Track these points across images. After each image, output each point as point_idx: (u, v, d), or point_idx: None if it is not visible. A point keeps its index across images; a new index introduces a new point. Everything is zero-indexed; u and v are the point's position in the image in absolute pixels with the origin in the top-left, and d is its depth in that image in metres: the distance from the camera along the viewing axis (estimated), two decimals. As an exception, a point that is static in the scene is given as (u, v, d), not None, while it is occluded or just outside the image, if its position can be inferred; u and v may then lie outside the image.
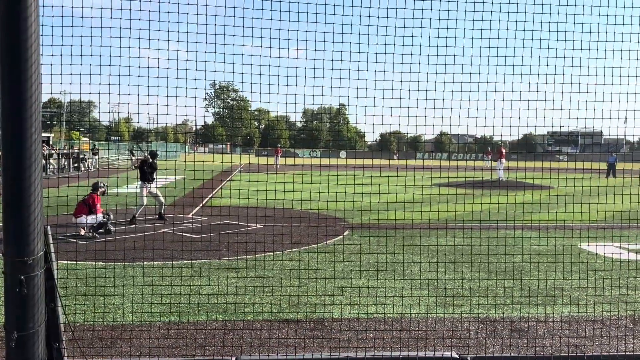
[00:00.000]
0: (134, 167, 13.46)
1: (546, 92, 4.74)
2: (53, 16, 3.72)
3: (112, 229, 11.13)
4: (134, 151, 14.11)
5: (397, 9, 4.37)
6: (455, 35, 4.51)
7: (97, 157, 38.83)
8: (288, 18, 4.21)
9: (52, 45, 3.76)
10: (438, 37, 4.46)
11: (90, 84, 3.98)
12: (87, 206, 11.05)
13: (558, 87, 4.75)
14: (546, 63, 4.73)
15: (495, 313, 6.20)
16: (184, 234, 11.25)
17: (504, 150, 28.69)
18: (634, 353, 5.02)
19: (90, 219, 10.96)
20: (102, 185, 11.75)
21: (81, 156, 35.21)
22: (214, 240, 10.00)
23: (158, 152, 13.93)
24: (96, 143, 41.21)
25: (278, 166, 39.28)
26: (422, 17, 4.40)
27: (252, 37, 4.25)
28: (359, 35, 4.39)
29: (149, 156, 13.27)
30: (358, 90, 4.56)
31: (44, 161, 26.83)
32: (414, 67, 4.52)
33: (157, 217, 13.16)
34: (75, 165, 34.06)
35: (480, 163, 43.98)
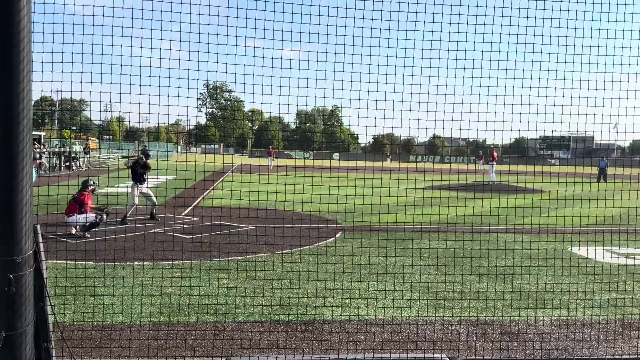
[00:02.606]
0: (126, 167, 13.39)
1: (538, 97, 4.77)
2: (44, 13, 3.69)
3: (104, 218, 11.14)
4: (147, 151, 14.04)
5: (390, 11, 4.38)
6: (449, 38, 4.52)
7: (88, 156, 38.64)
8: (282, 19, 4.20)
9: (43, 43, 3.72)
10: (432, 40, 4.47)
11: (81, 82, 3.95)
12: (78, 205, 10.98)
13: (550, 92, 4.78)
14: (539, 67, 4.76)
15: (485, 316, 6.21)
16: (175, 234, 11.20)
17: (495, 154, 28.83)
18: (623, 356, 5.05)
19: (81, 218, 10.89)
20: (92, 183, 11.68)
21: (73, 155, 35.02)
22: (205, 241, 9.96)
23: (151, 153, 13.87)
24: (87, 142, 41.01)
25: (271, 167, 39.19)
26: (417, 20, 4.41)
27: (245, 37, 4.24)
28: (353, 37, 4.39)
29: (142, 156, 13.21)
30: (352, 92, 4.56)
31: (38, 156, 26.57)
32: (408, 69, 4.53)
33: (148, 217, 13.09)
34: (67, 164, 33.85)
35: (472, 166, 44.21)
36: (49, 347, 3.62)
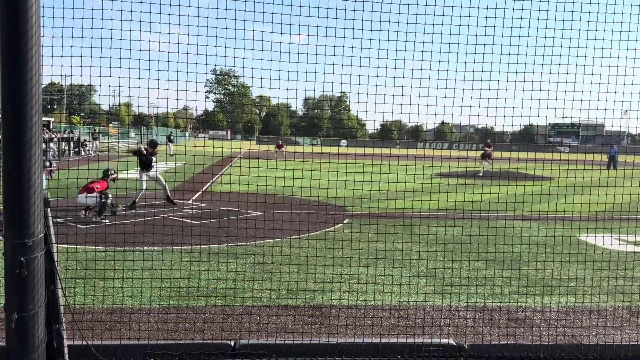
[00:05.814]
0: (132, 154, 13.48)
1: (550, 82, 4.72)
2: (54, -2, 3.69)
3: (115, 208, 11.22)
4: (171, 137, 14.15)
5: (400, -5, 4.33)
6: (460, 22, 4.48)
7: (97, 141, 38.82)
8: (290, 3, 4.17)
9: (52, 27, 3.73)
10: (442, 24, 4.43)
11: (91, 66, 3.95)
12: (89, 187, 11.14)
13: (562, 78, 4.73)
14: (551, 52, 4.70)
15: (492, 302, 6.22)
16: (183, 219, 11.27)
17: (488, 149, 27.22)
18: (630, 343, 5.04)
19: (89, 199, 11.00)
20: (112, 172, 11.82)
21: (81, 141, 35.19)
22: (213, 226, 10.01)
23: (173, 138, 13.94)
24: (97, 128, 41.17)
25: (285, 154, 38.94)
26: (427, 4, 4.36)
27: (253, 21, 4.22)
28: (362, 21, 4.35)
29: (148, 147, 13.29)
30: (360, 78, 4.53)
31: (44, 145, 26.68)
32: (417, 54, 4.49)
33: (165, 201, 13.13)
34: (76, 149, 34.03)
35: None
36: (60, 329, 3.67)
